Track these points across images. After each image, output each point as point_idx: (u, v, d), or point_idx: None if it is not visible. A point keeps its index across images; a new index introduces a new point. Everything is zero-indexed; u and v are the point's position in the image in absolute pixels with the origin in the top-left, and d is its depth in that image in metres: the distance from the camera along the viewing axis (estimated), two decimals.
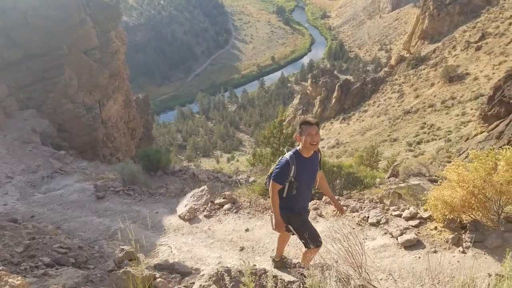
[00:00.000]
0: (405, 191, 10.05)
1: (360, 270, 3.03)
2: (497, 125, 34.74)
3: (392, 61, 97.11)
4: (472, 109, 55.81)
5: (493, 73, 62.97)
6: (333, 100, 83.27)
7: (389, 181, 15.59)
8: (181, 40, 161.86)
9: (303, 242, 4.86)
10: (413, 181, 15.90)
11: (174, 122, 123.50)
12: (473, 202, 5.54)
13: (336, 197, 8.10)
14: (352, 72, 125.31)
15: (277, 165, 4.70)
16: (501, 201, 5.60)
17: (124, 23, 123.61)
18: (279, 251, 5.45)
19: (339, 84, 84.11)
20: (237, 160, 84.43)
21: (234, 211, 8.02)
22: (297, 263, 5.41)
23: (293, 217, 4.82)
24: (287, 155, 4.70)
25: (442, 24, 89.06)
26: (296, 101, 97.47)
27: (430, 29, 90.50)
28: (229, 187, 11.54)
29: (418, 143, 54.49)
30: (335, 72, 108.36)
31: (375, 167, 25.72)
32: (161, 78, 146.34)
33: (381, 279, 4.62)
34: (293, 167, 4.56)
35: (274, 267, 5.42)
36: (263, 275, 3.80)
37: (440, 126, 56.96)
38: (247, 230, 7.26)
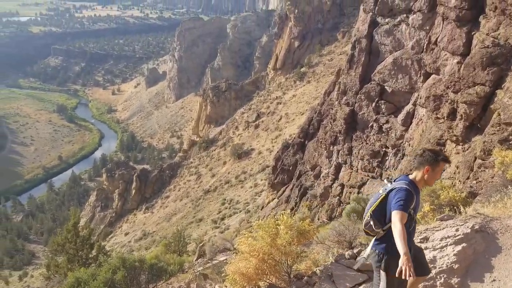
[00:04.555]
0: (211, 270, 10.20)
1: None
2: (283, 191, 39.21)
3: (185, 146, 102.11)
4: (262, 179, 61.83)
5: (273, 146, 71.85)
6: (133, 191, 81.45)
7: (197, 263, 15.63)
8: None
9: None
10: (220, 257, 16.29)
11: None
12: (265, 267, 5.95)
13: None
14: (148, 161, 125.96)
15: (397, 195, 3.90)
16: (288, 262, 6.17)
17: None
18: None
19: (136, 174, 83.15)
20: (32, 276, 73.31)
21: None
22: None
23: (394, 262, 3.89)
24: (401, 184, 3.95)
25: (223, 109, 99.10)
26: (92, 198, 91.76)
27: (213, 114, 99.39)
28: None
29: (222, 219, 57.04)
30: (131, 163, 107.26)
31: (184, 251, 25.59)
32: None
33: None
34: (415, 197, 3.90)
35: None
36: None
37: (238, 199, 61.18)
38: None
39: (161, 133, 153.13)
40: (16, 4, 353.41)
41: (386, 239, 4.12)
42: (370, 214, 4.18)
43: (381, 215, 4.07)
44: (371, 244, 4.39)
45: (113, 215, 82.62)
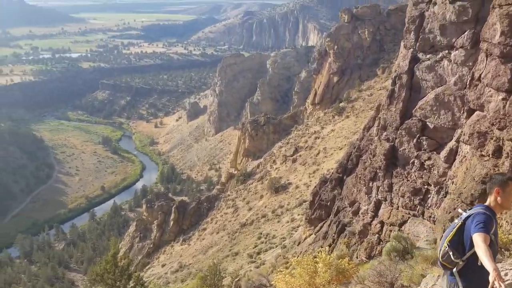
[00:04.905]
0: None
1: None
2: (321, 227, 38.44)
3: (223, 179, 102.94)
4: (299, 214, 61.02)
5: (310, 181, 71.14)
6: (171, 223, 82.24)
7: None
8: None
9: None
10: None
11: None
12: None
13: None
14: (187, 193, 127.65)
15: (475, 219, 3.86)
16: None
17: None
18: None
19: (175, 206, 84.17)
20: None
21: None
22: None
23: None
24: (478, 209, 3.94)
25: (261, 143, 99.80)
26: (132, 228, 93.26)
27: (251, 147, 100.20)
28: None
29: (258, 253, 56.36)
30: (170, 195, 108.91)
31: (220, 285, 25.40)
32: None
33: None
34: (494, 221, 3.86)
35: None
36: None
37: (275, 234, 60.44)
38: None
39: (200, 166, 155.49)
40: (68, 42, 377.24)
41: (465, 271, 4.00)
42: (447, 244, 4.09)
43: (459, 244, 4.00)
44: (449, 278, 4.23)
45: (151, 246, 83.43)
